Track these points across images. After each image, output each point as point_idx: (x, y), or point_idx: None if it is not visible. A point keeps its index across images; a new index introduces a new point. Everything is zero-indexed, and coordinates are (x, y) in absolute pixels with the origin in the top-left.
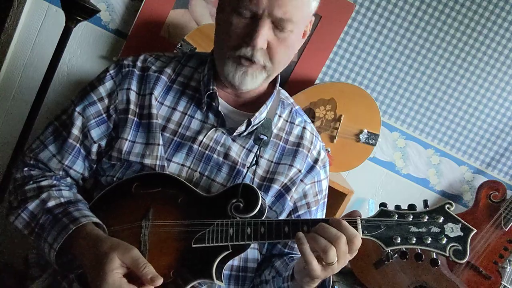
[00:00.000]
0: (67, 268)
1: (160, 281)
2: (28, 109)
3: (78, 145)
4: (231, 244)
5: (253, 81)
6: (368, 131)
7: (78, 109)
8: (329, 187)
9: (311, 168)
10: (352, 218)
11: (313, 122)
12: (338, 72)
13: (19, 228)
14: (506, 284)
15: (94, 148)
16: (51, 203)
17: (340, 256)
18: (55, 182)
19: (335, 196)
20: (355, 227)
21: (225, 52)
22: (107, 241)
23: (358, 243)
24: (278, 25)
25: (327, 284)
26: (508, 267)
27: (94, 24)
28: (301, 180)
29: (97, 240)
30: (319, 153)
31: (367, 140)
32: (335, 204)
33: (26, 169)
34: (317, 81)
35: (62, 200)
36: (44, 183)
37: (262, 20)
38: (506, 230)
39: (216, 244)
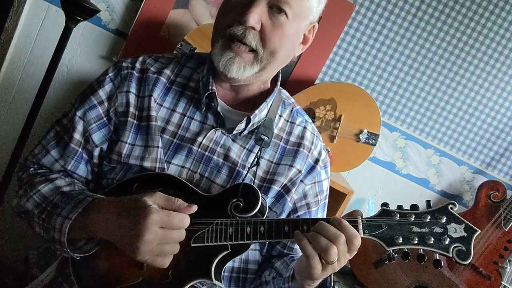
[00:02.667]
0: (77, 248)
1: (194, 207)
2: (28, 109)
3: (80, 149)
4: (230, 243)
5: (240, 71)
6: (368, 131)
7: (79, 113)
8: (329, 187)
9: (312, 169)
10: (352, 217)
11: (313, 122)
12: (338, 72)
13: (28, 209)
14: (506, 284)
15: (96, 152)
16: (65, 188)
17: (340, 256)
18: (63, 176)
19: (335, 196)
20: (356, 227)
21: (219, 32)
22: (128, 196)
23: (357, 243)
24: (273, 5)
25: (328, 285)
26: (508, 267)
27: (94, 24)
28: (301, 181)
29: (119, 199)
30: (320, 153)
31: (367, 140)
32: (335, 204)
33: (31, 169)
34: (317, 81)
35: (76, 186)
36: (52, 176)
37: (258, 0)
38: (506, 230)
39: (215, 244)
